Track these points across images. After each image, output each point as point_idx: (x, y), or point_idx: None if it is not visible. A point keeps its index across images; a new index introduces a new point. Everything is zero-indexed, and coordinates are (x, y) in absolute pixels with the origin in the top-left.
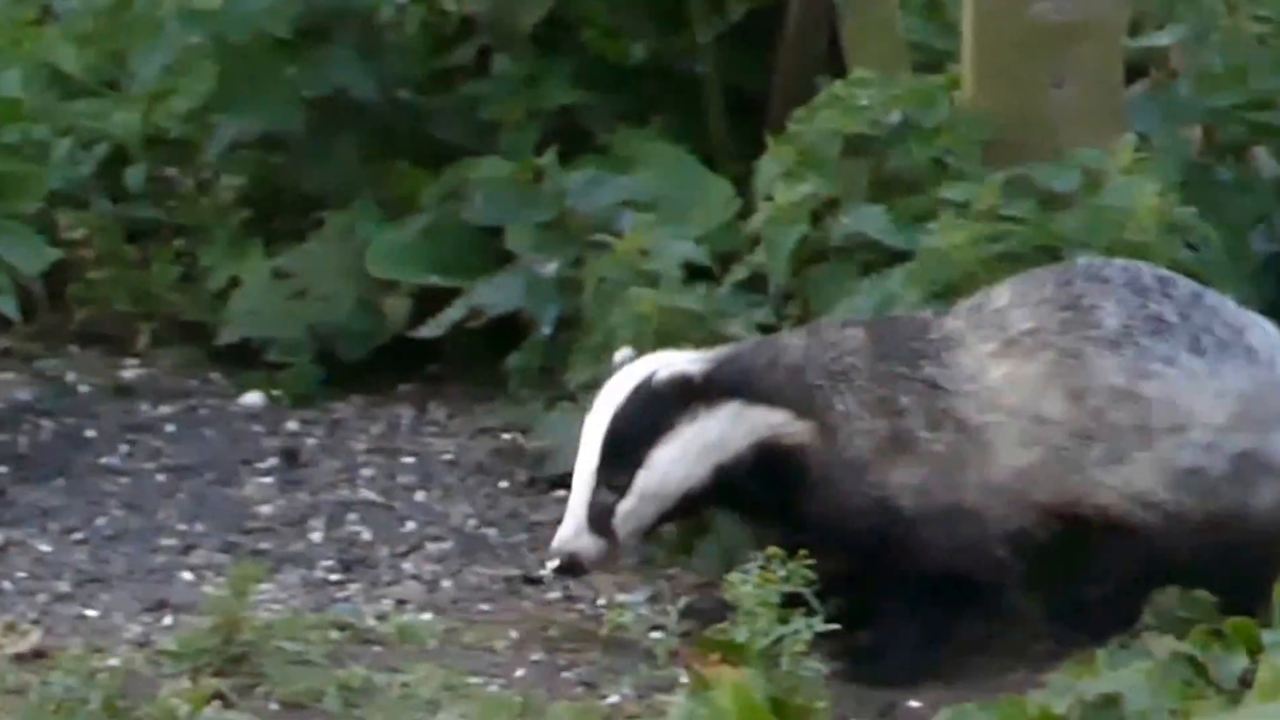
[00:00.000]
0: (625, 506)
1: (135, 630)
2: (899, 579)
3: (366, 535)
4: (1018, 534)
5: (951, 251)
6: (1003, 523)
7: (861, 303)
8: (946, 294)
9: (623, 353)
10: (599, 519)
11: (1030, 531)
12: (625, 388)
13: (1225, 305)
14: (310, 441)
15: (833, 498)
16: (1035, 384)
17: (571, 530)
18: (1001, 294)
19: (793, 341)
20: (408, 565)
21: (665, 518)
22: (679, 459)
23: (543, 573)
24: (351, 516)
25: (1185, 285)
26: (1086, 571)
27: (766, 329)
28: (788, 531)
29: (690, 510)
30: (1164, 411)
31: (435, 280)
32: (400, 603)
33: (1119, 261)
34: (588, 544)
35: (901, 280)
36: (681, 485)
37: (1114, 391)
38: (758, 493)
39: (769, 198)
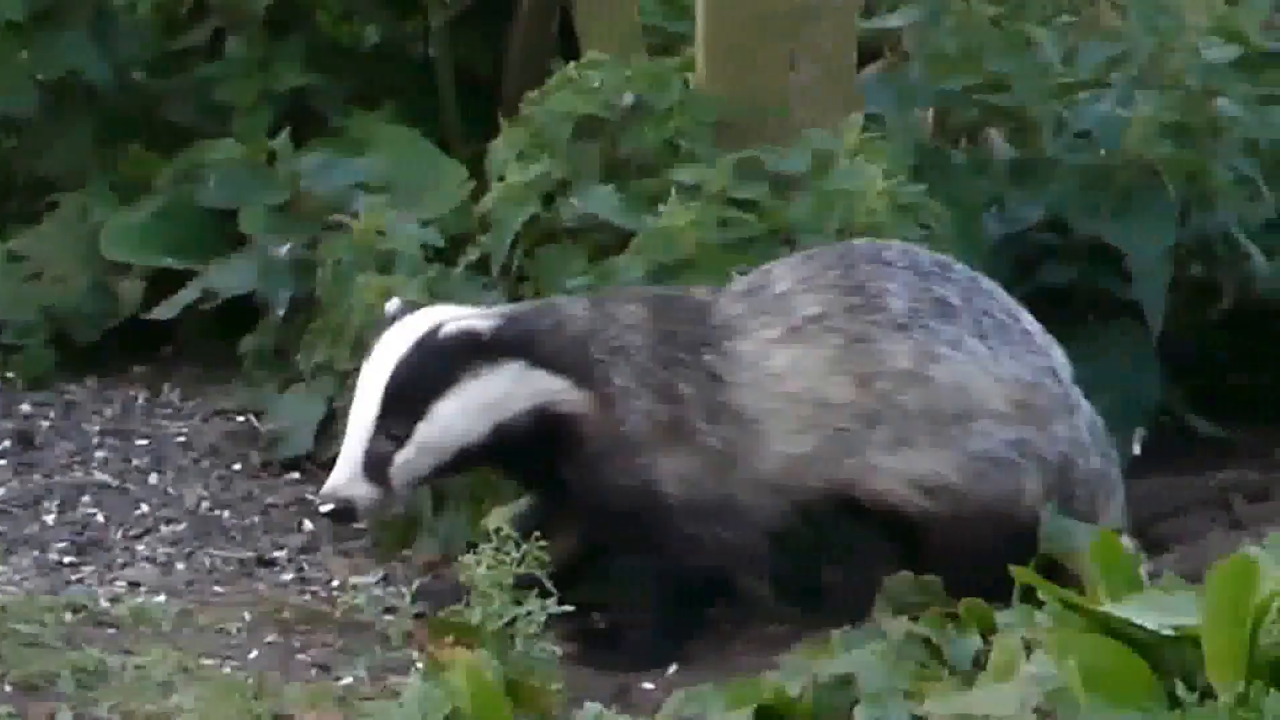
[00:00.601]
0: (403, 456)
1: None
2: (651, 565)
3: (100, 518)
4: (780, 528)
5: (675, 233)
6: (767, 519)
7: (584, 283)
8: (669, 275)
9: (393, 303)
10: (375, 467)
11: (794, 522)
12: (409, 339)
13: (998, 290)
14: (44, 424)
15: (602, 473)
16: (822, 369)
17: (346, 476)
18: (781, 278)
19: (576, 310)
20: (142, 547)
21: (440, 471)
22: (460, 414)
23: (319, 508)
24: (85, 499)
25: (962, 269)
26: (846, 557)
27: None
28: (554, 501)
29: (465, 465)
30: (951, 396)
31: (169, 262)
32: (134, 585)
33: (896, 244)
34: (362, 491)
35: (625, 260)
36: (460, 440)
37: (903, 375)
38: (532, 457)
39: (502, 179)
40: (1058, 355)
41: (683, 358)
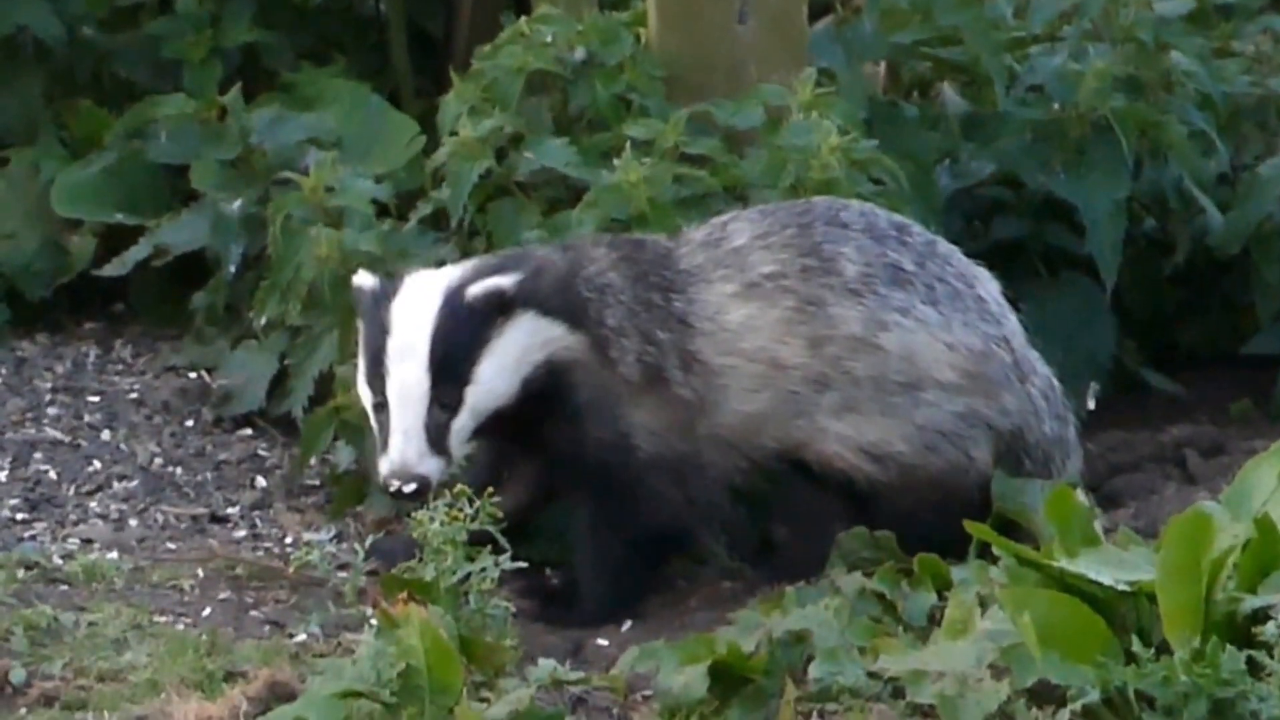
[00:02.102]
0: (459, 423)
1: None
2: (614, 520)
3: (52, 474)
4: (739, 485)
5: (628, 188)
6: (727, 476)
7: (537, 237)
8: (621, 230)
9: (364, 276)
10: (436, 439)
11: (752, 479)
12: (432, 306)
13: (956, 255)
14: None
15: (584, 424)
16: (775, 329)
17: (415, 452)
18: (739, 232)
19: (551, 255)
20: (94, 504)
21: (475, 436)
22: (498, 373)
23: (391, 488)
24: (37, 455)
25: (920, 232)
26: (801, 513)
27: None
28: (514, 456)
29: (486, 428)
30: (900, 365)
31: (120, 218)
32: (87, 542)
33: (855, 205)
34: (433, 465)
35: (577, 215)
36: (499, 400)
37: (852, 341)
38: (528, 413)
39: (454, 134)
40: (1012, 322)
41: (657, 301)
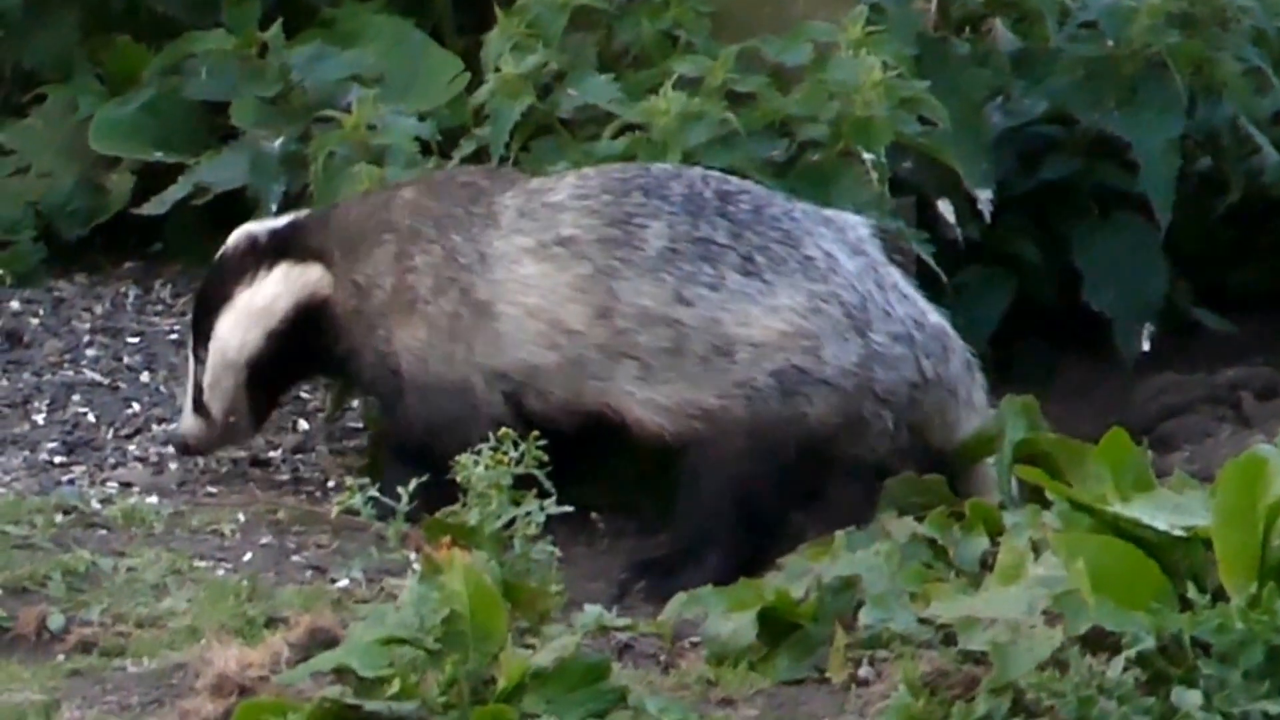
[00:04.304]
0: (206, 380)
1: None
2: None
3: (91, 417)
4: (514, 420)
5: (664, 122)
6: (496, 407)
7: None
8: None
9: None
10: (198, 398)
11: (551, 419)
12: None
13: (789, 216)
14: (33, 321)
15: (351, 350)
16: (563, 292)
17: (182, 412)
18: (561, 187)
19: (351, 202)
20: (133, 447)
21: (257, 391)
22: (234, 326)
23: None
24: (76, 398)
25: (749, 200)
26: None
27: None
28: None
29: (273, 382)
30: (704, 336)
31: (158, 156)
32: (126, 486)
33: (687, 174)
34: (191, 425)
35: (610, 150)
36: (240, 354)
37: (644, 315)
38: (314, 356)
39: (497, 70)
40: (844, 274)
41: (427, 233)
